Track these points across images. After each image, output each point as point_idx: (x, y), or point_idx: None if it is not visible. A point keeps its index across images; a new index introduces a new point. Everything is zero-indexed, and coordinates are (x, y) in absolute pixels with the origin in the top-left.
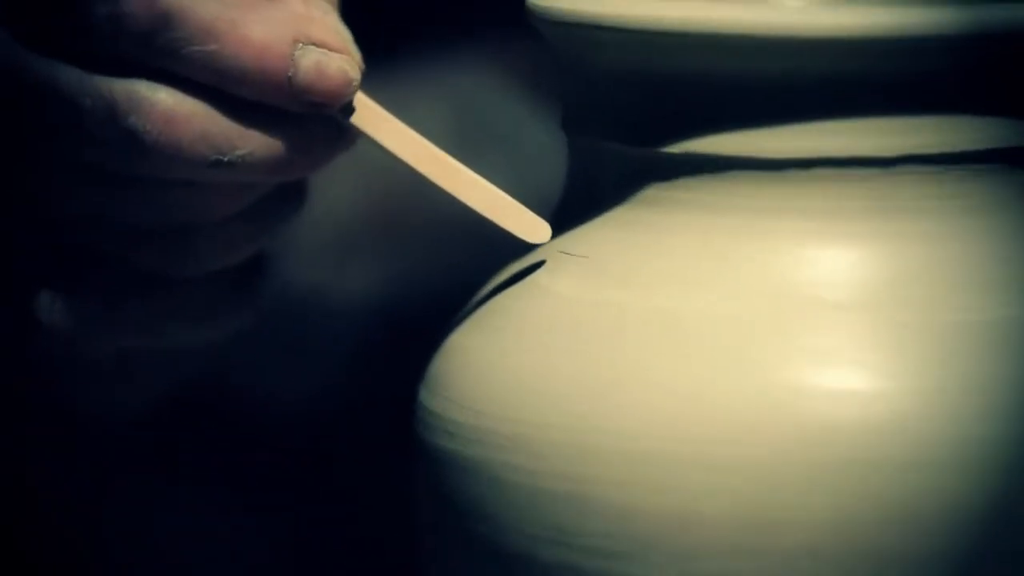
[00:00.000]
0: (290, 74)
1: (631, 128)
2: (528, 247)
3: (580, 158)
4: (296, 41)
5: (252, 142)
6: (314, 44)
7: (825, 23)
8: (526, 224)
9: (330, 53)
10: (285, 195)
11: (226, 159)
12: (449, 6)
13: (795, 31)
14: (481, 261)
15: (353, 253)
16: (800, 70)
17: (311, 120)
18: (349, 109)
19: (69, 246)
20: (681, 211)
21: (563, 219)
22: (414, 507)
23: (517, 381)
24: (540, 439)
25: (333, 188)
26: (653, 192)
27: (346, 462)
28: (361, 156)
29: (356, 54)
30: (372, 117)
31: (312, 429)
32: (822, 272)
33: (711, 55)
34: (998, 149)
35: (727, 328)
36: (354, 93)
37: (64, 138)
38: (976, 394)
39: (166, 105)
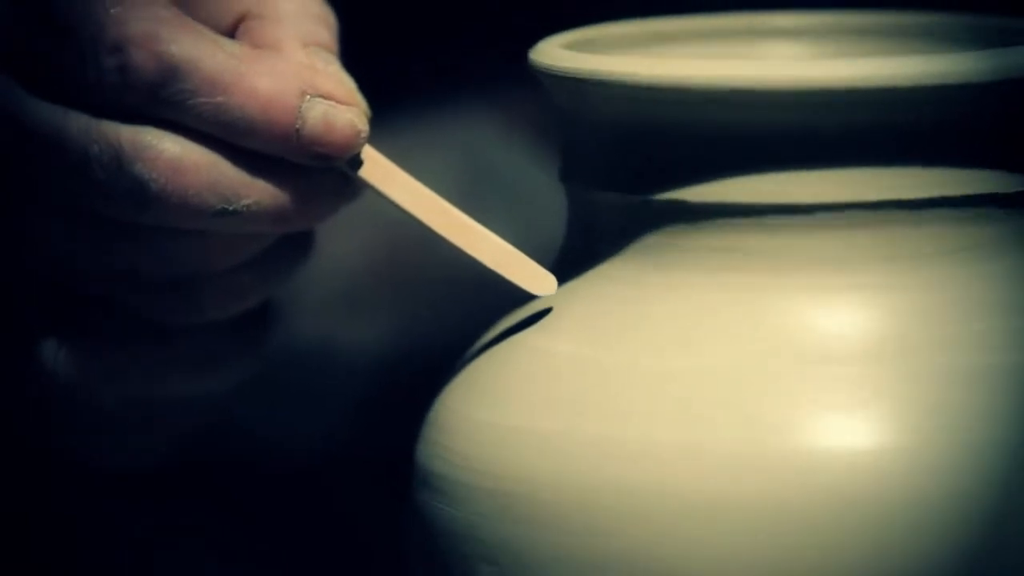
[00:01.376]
0: (297, 126)
1: (624, 178)
2: (529, 298)
3: (578, 208)
4: (304, 93)
5: (258, 192)
6: (321, 96)
7: (814, 76)
8: (532, 277)
9: (338, 105)
10: (291, 246)
11: (232, 208)
12: (453, 58)
13: (788, 84)
14: (486, 313)
15: (359, 305)
16: (795, 121)
17: (317, 171)
18: (356, 161)
19: (73, 294)
20: (678, 260)
21: (563, 269)
22: (411, 554)
23: (508, 438)
24: (531, 496)
25: (339, 240)
26: (649, 241)
27: (349, 512)
28: (367, 208)
29: (363, 105)
30: (378, 169)
31: (315, 479)
32: (823, 323)
33: (707, 108)
34: (1005, 194)
35: (727, 381)
36: (362, 145)
37: (71, 185)
38: (987, 446)
39: (173, 153)
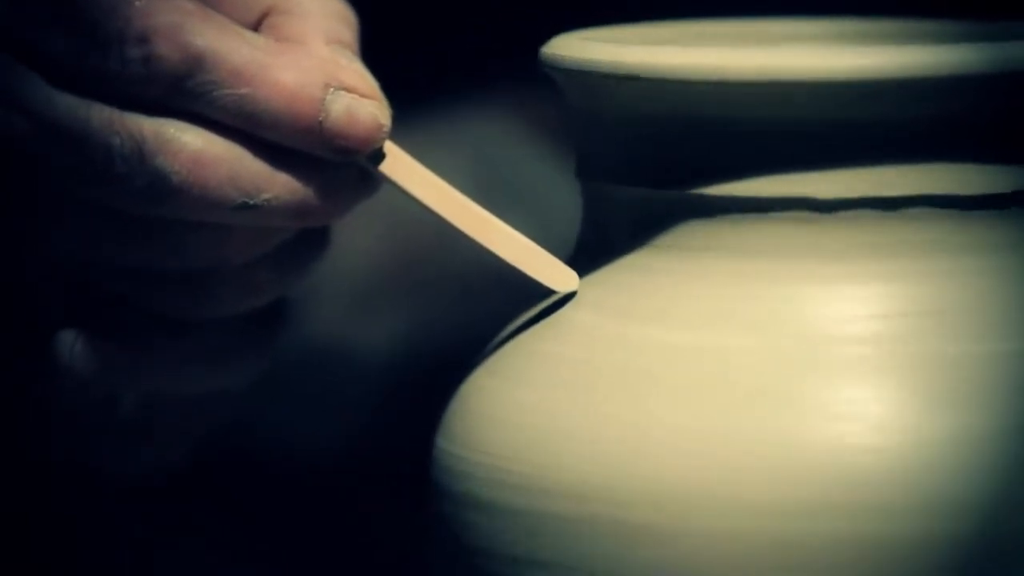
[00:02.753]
0: (321, 119)
1: (641, 172)
2: (546, 294)
3: (593, 204)
4: (327, 86)
5: (279, 186)
6: (345, 89)
7: (833, 67)
8: (554, 274)
9: (361, 99)
10: (307, 241)
11: (252, 202)
12: (465, 56)
13: (807, 75)
14: (503, 309)
15: (375, 301)
16: (810, 114)
17: (336, 166)
18: (377, 156)
19: (88, 289)
20: (692, 255)
21: (578, 265)
22: (428, 550)
23: (530, 425)
24: (553, 482)
25: (355, 236)
26: (664, 237)
27: (353, 512)
28: (383, 204)
29: (385, 100)
30: (399, 164)
31: (333, 477)
32: (839, 314)
33: (722, 101)
34: (1009, 193)
35: (743, 371)
36: (384, 139)
37: (91, 177)
38: (998, 435)
39: (195, 146)
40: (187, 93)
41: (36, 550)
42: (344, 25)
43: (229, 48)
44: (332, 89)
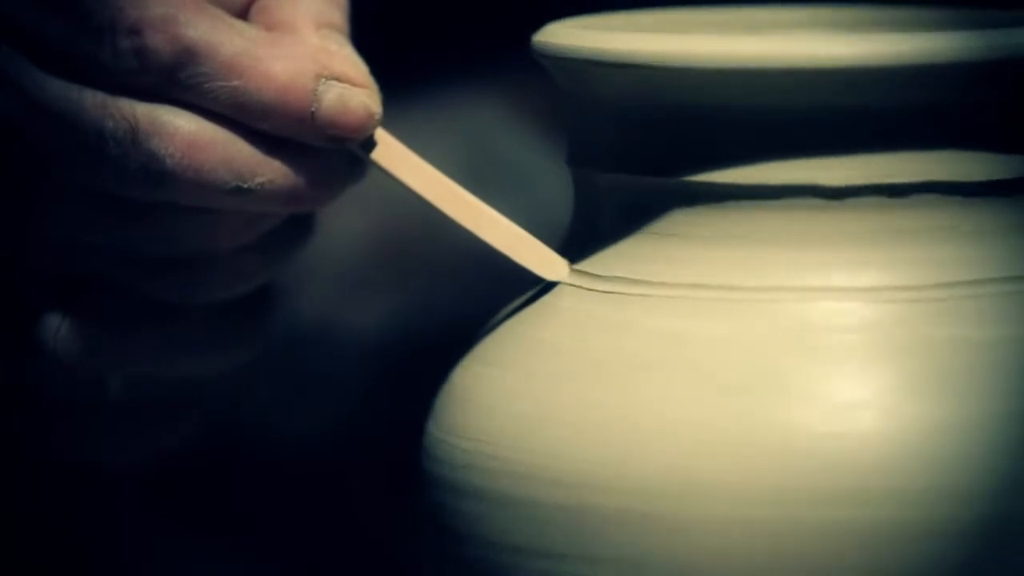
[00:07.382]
0: (313, 109)
1: (632, 160)
2: (536, 282)
3: (584, 191)
4: (319, 76)
5: (272, 171)
6: (336, 79)
7: (824, 54)
8: (544, 261)
9: (352, 88)
10: (295, 226)
11: (245, 186)
12: (458, 42)
13: (804, 63)
14: (492, 293)
15: (364, 286)
16: (806, 101)
17: (329, 152)
18: (369, 143)
19: (78, 273)
20: (683, 243)
21: (569, 251)
22: (418, 538)
23: (520, 412)
24: (543, 468)
25: (344, 221)
26: (655, 224)
27: (359, 493)
28: (371, 189)
29: (376, 88)
30: (390, 151)
31: (324, 461)
32: (828, 303)
33: (717, 89)
34: (1011, 179)
35: (733, 361)
36: (375, 127)
37: (84, 161)
38: (999, 422)
39: (188, 130)
40: (179, 84)
41: (36, 549)
42: (334, 8)
43: (220, 40)
44: (323, 79)
